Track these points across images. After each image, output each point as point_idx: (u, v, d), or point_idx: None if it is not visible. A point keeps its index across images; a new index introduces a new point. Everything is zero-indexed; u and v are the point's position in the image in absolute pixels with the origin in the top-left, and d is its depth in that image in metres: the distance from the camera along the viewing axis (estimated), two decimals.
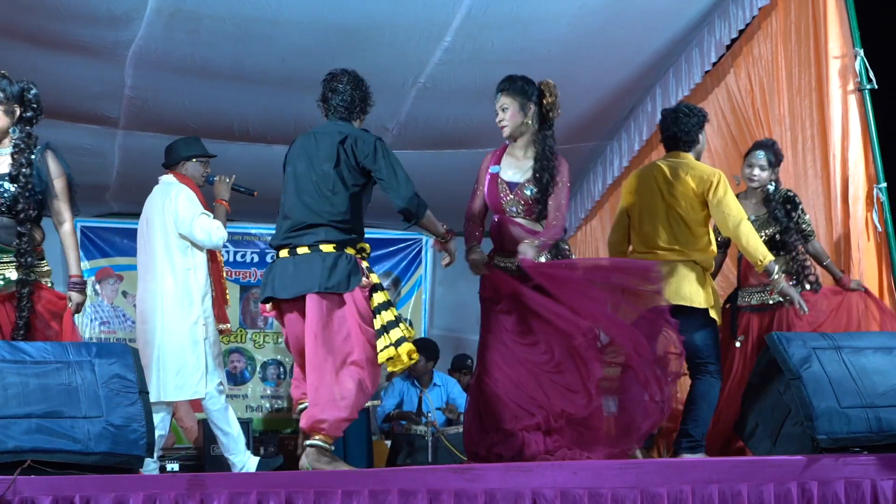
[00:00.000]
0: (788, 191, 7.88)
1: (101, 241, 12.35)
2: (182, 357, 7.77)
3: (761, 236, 7.45)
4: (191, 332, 7.80)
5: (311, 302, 6.27)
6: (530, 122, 6.84)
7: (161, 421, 7.76)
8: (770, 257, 7.19)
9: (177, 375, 7.73)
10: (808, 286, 7.64)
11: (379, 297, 6.38)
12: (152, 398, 7.46)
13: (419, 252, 13.38)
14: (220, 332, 8.11)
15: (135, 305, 12.13)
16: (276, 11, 8.37)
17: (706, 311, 7.25)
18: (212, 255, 8.14)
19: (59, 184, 6.62)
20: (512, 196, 6.81)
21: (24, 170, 6.45)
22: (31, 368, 5.41)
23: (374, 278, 6.47)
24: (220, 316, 8.16)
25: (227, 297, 8.38)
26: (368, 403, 9.39)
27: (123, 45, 8.67)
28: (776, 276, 7.25)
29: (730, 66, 9.42)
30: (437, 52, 9.05)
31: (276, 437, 10.95)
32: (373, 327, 6.32)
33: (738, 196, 7.62)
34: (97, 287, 12.28)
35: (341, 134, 6.52)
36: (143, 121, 9.96)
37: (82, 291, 6.66)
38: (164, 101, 9.66)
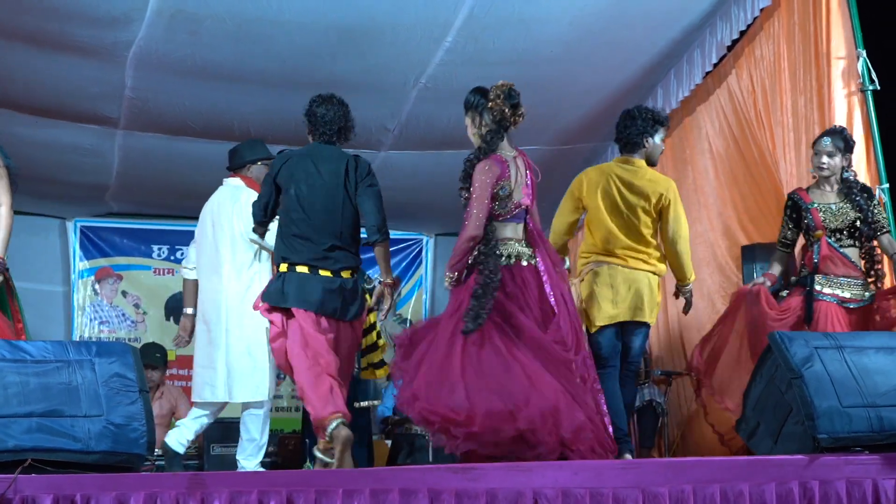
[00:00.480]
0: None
1: (101, 241, 12.39)
2: (251, 359, 7.78)
3: (839, 225, 7.54)
4: (257, 335, 7.76)
5: (335, 325, 6.90)
6: (483, 130, 6.78)
7: (208, 421, 8.02)
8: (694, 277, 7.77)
9: (245, 377, 7.74)
10: (876, 278, 7.63)
11: (371, 318, 6.66)
12: (218, 398, 7.75)
13: (419, 252, 13.40)
14: None
15: (135, 305, 12.36)
16: (277, 12, 8.36)
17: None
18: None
19: None
20: None
21: None
22: (31, 367, 5.41)
23: (368, 299, 6.94)
24: None
25: None
26: (369, 403, 9.39)
27: (124, 46, 8.67)
28: (688, 296, 7.92)
29: (731, 66, 9.42)
30: (438, 52, 9.05)
31: (276, 436, 10.94)
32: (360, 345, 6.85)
33: (810, 188, 7.72)
34: (97, 287, 12.31)
35: (343, 157, 6.93)
36: (143, 121, 9.98)
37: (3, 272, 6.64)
38: (164, 101, 9.67)
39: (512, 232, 6.70)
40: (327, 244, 6.89)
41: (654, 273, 7.65)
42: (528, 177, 6.78)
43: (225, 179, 8.32)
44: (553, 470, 5.61)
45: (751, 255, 8.97)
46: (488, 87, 6.79)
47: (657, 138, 7.76)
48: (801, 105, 8.41)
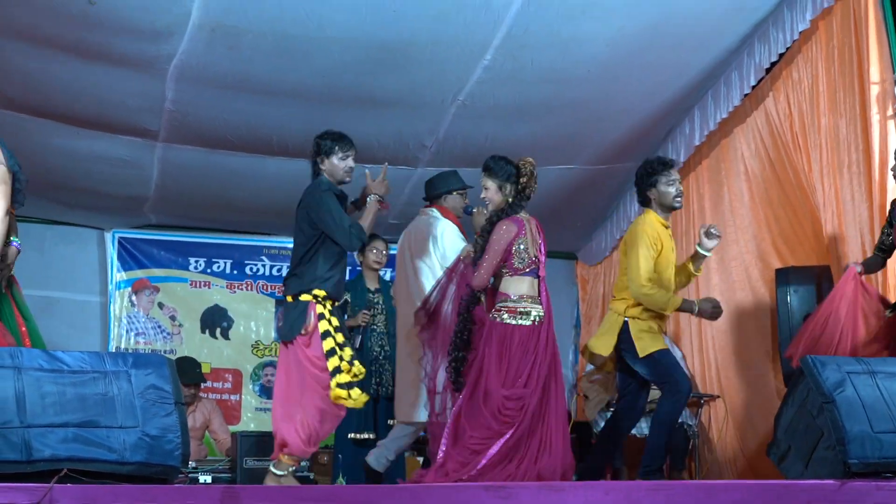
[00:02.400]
0: None
1: (139, 253, 12.42)
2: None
3: None
4: None
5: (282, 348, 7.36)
6: (510, 199, 7.24)
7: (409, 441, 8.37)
8: None
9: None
10: None
11: (328, 343, 6.77)
12: (422, 418, 7.91)
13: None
14: None
15: (171, 317, 12.40)
16: (317, 28, 8.40)
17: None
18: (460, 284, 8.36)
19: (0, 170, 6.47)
20: None
21: None
22: (68, 378, 5.43)
23: (323, 326, 7.05)
24: None
25: None
26: None
27: (165, 59, 8.72)
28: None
29: (769, 89, 9.41)
30: (477, 70, 9.06)
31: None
32: (324, 370, 6.97)
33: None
34: (133, 298, 12.35)
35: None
36: (182, 134, 10.02)
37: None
38: (204, 115, 9.70)
39: (529, 288, 7.11)
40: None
41: (613, 311, 7.90)
42: (541, 237, 7.26)
43: (422, 209, 8.59)
44: (584, 490, 5.62)
45: (784, 278, 8.94)
46: (512, 159, 7.30)
47: (661, 185, 7.83)
48: (839, 128, 8.39)
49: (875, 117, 8.07)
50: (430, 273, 8.20)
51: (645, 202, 7.87)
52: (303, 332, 7.08)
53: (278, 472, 7.02)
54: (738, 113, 9.76)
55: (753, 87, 9.44)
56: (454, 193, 8.46)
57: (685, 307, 7.67)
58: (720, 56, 9.40)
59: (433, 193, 8.55)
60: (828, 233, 8.55)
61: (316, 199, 7.21)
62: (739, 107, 9.67)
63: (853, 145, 8.28)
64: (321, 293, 7.13)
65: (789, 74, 9.12)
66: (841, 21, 8.41)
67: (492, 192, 7.23)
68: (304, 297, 7.13)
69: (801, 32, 8.74)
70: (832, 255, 8.47)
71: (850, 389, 6.13)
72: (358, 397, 6.95)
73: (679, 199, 7.82)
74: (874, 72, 8.10)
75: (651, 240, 7.63)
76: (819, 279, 8.67)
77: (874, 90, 8.10)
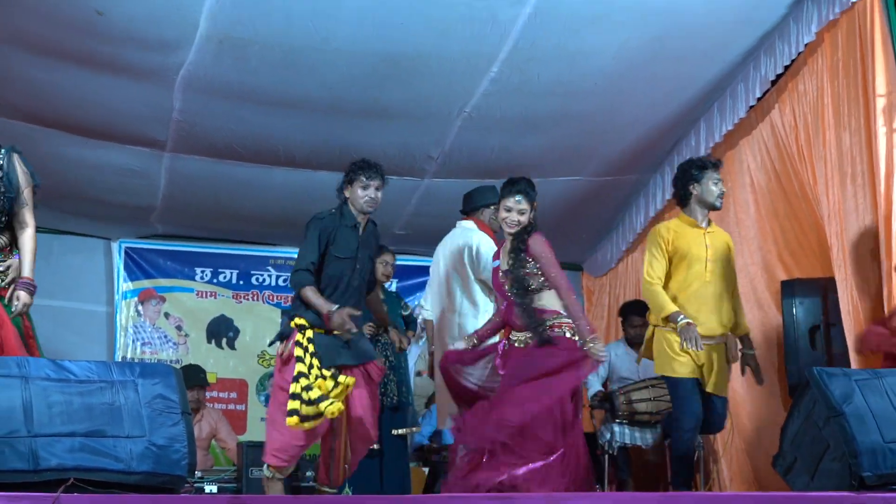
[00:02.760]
0: None
1: (145, 263, 12.45)
2: None
3: None
4: None
5: None
6: (531, 216, 7.36)
7: None
8: None
9: None
10: None
11: (298, 368, 7.06)
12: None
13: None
14: None
15: (177, 327, 12.42)
16: (325, 40, 8.42)
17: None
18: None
19: (28, 192, 6.55)
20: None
21: None
22: (75, 387, 5.45)
23: (298, 352, 7.14)
24: None
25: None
26: (406, 430, 9.44)
27: (173, 70, 8.74)
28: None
29: (774, 101, 9.40)
30: (483, 82, 9.08)
31: (317, 459, 10.98)
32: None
33: None
34: (140, 308, 12.37)
35: None
36: (190, 144, 10.04)
37: (31, 293, 6.54)
38: (211, 125, 9.73)
39: (558, 302, 7.18)
40: None
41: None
42: None
43: (458, 222, 8.79)
44: (591, 500, 5.62)
45: (790, 290, 8.95)
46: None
47: (707, 181, 7.93)
48: (848, 140, 8.38)
49: (881, 129, 8.05)
50: (461, 282, 8.43)
51: (683, 199, 7.97)
52: (280, 354, 7.30)
53: (266, 473, 7.23)
54: (743, 125, 9.75)
55: (759, 100, 9.44)
56: (491, 208, 8.58)
57: (672, 319, 7.65)
58: (726, 69, 9.40)
59: (470, 206, 8.77)
60: (832, 245, 8.54)
61: (306, 226, 7.39)
62: (745, 119, 9.66)
63: (857, 157, 8.28)
64: (301, 321, 7.24)
65: (795, 87, 9.11)
66: (846, 33, 8.40)
67: (527, 216, 7.27)
68: (292, 324, 7.28)
69: (806, 45, 8.73)
70: (836, 267, 8.46)
71: (859, 399, 6.09)
72: (311, 424, 7.02)
73: (721, 199, 7.94)
74: (880, 84, 8.08)
75: (660, 244, 7.88)
76: (825, 291, 8.68)
77: (880, 102, 8.08)
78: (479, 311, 8.41)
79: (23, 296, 6.47)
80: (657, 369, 7.83)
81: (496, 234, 8.49)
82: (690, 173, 7.90)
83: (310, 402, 6.87)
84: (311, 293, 7.20)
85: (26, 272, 6.54)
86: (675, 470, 7.97)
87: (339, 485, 7.66)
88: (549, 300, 7.13)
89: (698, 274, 7.81)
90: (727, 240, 8.11)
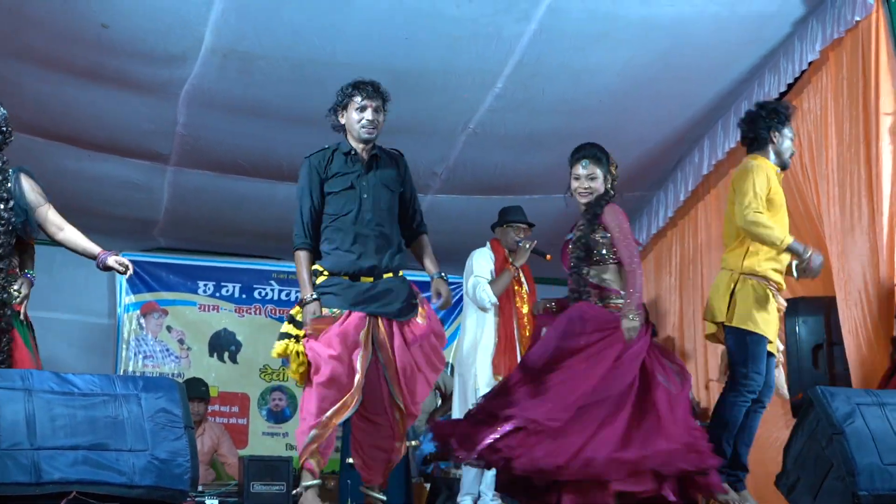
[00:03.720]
0: None
1: (147, 276, 12.44)
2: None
3: None
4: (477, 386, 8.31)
5: None
6: (608, 184, 6.92)
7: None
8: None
9: None
10: None
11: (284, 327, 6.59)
12: None
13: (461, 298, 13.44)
14: None
15: (179, 340, 12.43)
16: (330, 54, 8.44)
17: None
18: (504, 308, 8.56)
19: (42, 211, 6.41)
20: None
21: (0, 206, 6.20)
22: (78, 400, 5.43)
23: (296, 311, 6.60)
24: (497, 366, 8.46)
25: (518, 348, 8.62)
26: (407, 444, 9.42)
27: (177, 84, 8.77)
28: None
29: None
30: (488, 98, 9.11)
31: None
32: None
33: None
34: (142, 321, 12.37)
35: None
36: (193, 158, 10.06)
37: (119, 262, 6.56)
38: (214, 139, 9.75)
39: (620, 282, 6.69)
40: None
41: (725, 268, 7.20)
42: None
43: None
44: None
45: (794, 308, 8.92)
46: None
47: (787, 133, 7.26)
48: (850, 159, 8.38)
49: (887, 148, 8.04)
50: (465, 294, 8.63)
51: (759, 143, 7.22)
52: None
53: (300, 488, 6.64)
54: None
55: None
56: (504, 226, 8.71)
57: (795, 248, 6.91)
58: (730, 87, 9.42)
59: (493, 224, 8.88)
60: (833, 264, 8.54)
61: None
62: None
63: (857, 176, 8.28)
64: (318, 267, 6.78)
65: (799, 105, 9.09)
66: (851, 52, 8.41)
67: (599, 181, 6.83)
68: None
69: (810, 63, 8.76)
70: (838, 287, 8.45)
71: (860, 421, 6.10)
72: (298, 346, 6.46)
73: (790, 159, 7.35)
74: (885, 103, 8.08)
75: (767, 176, 7.05)
76: (828, 309, 8.67)
77: (886, 121, 8.07)
78: (467, 331, 8.60)
79: (112, 261, 6.57)
80: (736, 321, 6.97)
81: (511, 252, 8.62)
82: (773, 118, 7.18)
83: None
84: (299, 263, 6.73)
85: (95, 249, 6.62)
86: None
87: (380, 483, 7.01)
88: (612, 277, 6.67)
89: (786, 224, 7.24)
90: None
